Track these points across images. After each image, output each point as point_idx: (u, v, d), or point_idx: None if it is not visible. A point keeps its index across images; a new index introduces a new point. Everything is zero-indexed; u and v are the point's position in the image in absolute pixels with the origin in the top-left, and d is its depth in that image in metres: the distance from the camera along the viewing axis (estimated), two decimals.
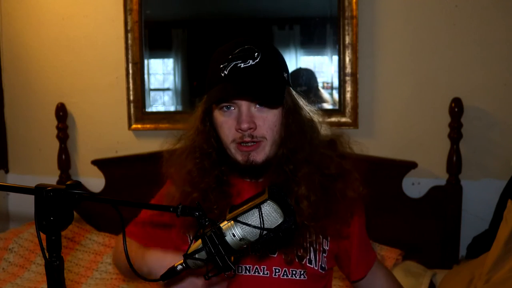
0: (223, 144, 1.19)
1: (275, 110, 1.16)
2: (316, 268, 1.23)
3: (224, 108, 1.16)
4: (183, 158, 1.22)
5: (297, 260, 1.19)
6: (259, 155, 1.16)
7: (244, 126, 1.13)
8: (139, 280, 1.40)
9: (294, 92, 1.22)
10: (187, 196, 1.19)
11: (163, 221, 1.29)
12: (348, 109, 2.42)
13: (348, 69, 2.40)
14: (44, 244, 0.84)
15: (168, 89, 2.67)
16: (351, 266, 1.31)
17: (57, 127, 2.66)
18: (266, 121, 1.15)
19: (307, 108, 1.24)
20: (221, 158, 1.21)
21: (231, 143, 1.16)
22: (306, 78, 2.51)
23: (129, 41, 2.57)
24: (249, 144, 1.15)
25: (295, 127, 1.18)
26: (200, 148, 1.22)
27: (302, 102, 1.23)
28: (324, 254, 1.24)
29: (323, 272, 1.24)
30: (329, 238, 1.24)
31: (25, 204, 2.55)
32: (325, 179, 1.18)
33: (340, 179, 1.19)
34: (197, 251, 0.86)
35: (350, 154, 1.25)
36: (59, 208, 0.84)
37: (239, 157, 1.17)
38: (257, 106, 1.15)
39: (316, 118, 1.23)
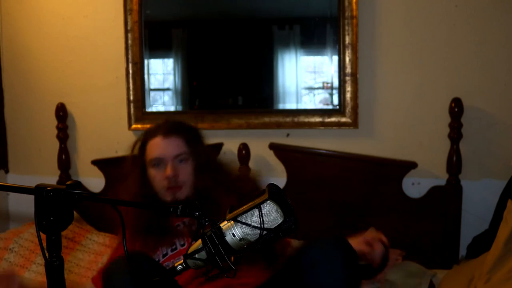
0: (155, 190, 1.69)
1: (190, 164, 1.69)
2: None
3: (155, 165, 1.68)
4: (129, 209, 1.60)
5: None
6: (182, 194, 1.67)
7: (170, 174, 1.65)
8: None
9: (206, 151, 1.78)
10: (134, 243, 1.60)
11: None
12: (348, 109, 2.42)
13: (348, 69, 2.40)
14: (44, 244, 0.85)
15: (168, 89, 2.67)
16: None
17: (57, 127, 2.66)
18: (185, 170, 1.68)
19: (218, 159, 1.90)
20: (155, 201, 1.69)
21: (161, 188, 1.68)
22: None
23: (129, 41, 2.57)
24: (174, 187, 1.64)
25: (208, 177, 1.68)
26: (141, 195, 1.68)
27: (211, 155, 1.82)
28: None
29: None
30: None
31: (25, 204, 2.55)
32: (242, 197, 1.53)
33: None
34: (197, 251, 0.87)
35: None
36: (59, 208, 0.84)
37: (167, 197, 1.67)
38: (179, 161, 1.66)
39: (225, 162, 1.86)
